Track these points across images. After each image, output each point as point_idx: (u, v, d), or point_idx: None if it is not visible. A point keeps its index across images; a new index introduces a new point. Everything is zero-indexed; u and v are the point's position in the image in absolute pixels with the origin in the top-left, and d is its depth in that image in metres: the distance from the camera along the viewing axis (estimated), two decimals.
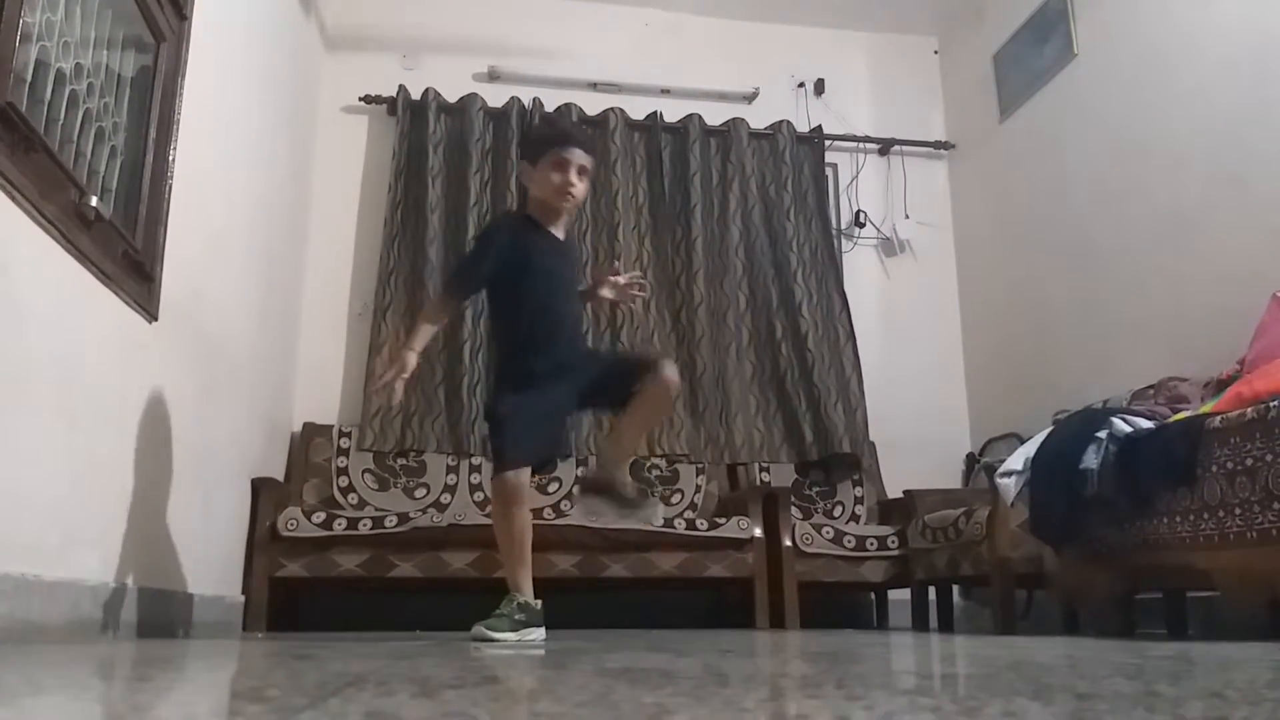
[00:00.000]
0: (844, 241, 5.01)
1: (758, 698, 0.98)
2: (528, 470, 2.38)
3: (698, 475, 4.28)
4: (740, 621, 3.70)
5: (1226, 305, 3.23)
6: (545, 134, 2.85)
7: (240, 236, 3.38)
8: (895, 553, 3.92)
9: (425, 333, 2.46)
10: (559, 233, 2.57)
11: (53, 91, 1.99)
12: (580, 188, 2.50)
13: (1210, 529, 2.39)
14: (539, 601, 2.36)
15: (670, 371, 2.46)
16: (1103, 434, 2.74)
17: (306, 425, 4.18)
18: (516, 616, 2.28)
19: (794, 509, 4.05)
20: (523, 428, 2.38)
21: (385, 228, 4.43)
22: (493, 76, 4.82)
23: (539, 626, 2.33)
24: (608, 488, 2.50)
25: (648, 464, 4.22)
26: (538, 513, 3.92)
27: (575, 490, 2.47)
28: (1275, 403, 2.25)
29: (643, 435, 2.64)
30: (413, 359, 2.39)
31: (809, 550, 3.85)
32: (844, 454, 4.41)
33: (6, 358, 1.85)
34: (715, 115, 4.86)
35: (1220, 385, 2.86)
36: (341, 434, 4.16)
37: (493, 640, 2.18)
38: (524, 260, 2.47)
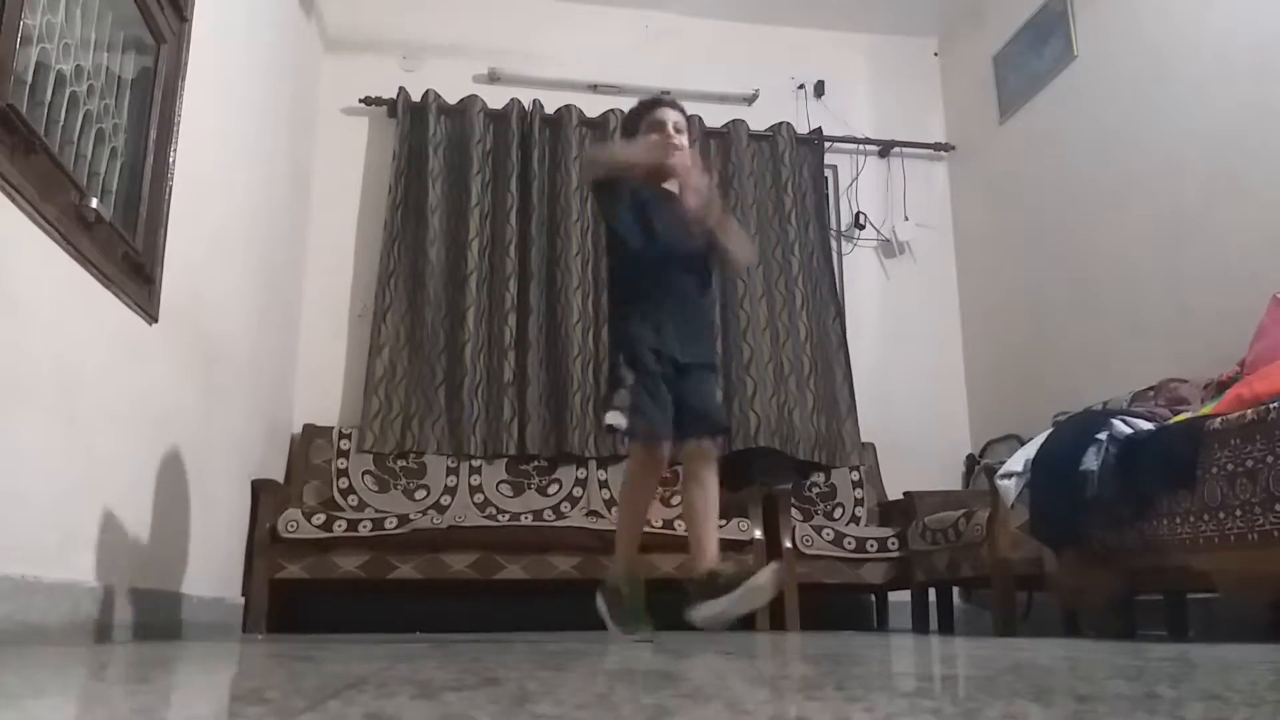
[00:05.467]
0: (844, 243, 5.01)
1: (758, 699, 0.98)
2: (661, 446, 2.38)
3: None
4: (740, 623, 3.69)
5: (1226, 306, 3.23)
6: (634, 109, 2.75)
7: (240, 238, 3.38)
8: (895, 554, 3.92)
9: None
10: (674, 188, 2.55)
11: (53, 93, 2.00)
12: (679, 139, 2.50)
13: (1210, 531, 2.39)
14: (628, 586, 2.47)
15: (707, 455, 2.42)
16: (1103, 436, 2.74)
17: (307, 427, 4.18)
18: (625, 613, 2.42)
19: (794, 511, 4.05)
20: (648, 399, 2.35)
21: (385, 229, 4.44)
22: (493, 78, 4.82)
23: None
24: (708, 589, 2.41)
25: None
26: (537, 514, 3.93)
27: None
28: (1275, 404, 2.25)
29: (709, 528, 2.46)
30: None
31: (809, 552, 3.85)
32: (821, 465, 4.42)
33: (6, 358, 1.85)
34: (715, 117, 4.86)
35: (1220, 387, 2.86)
36: (342, 435, 4.16)
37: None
38: (636, 205, 2.45)
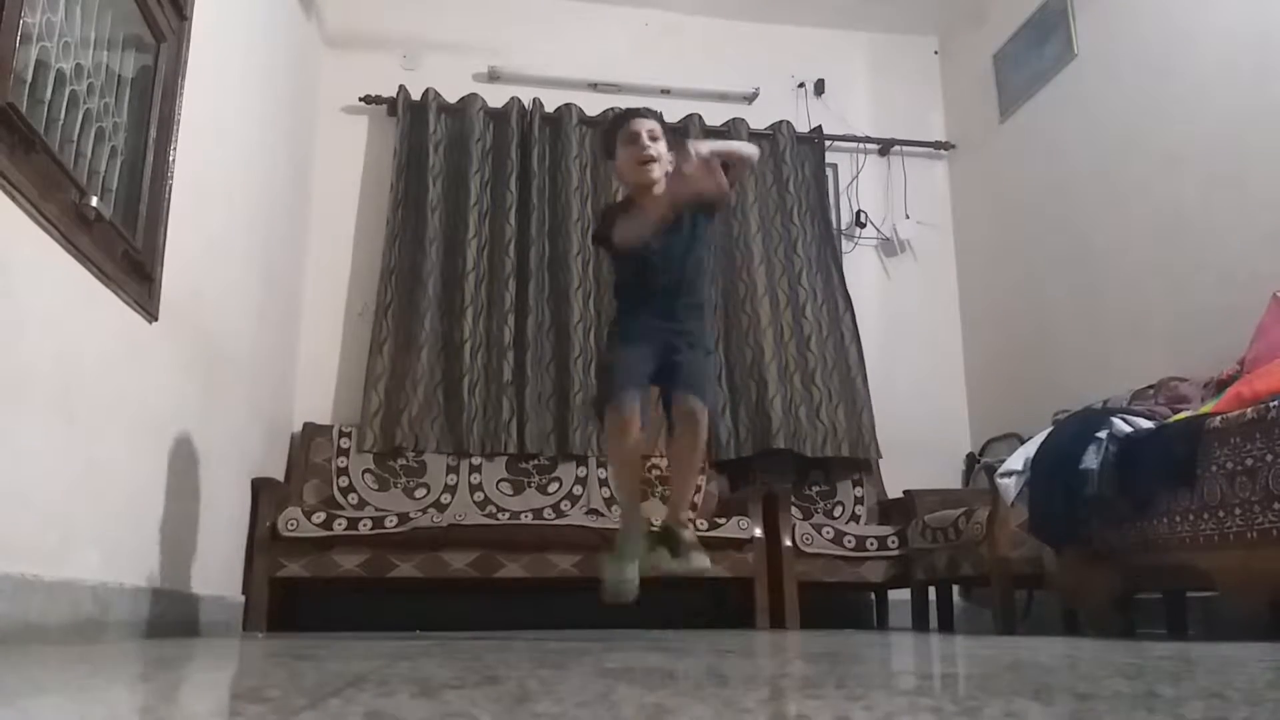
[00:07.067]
0: (844, 242, 5.01)
1: (758, 698, 0.98)
2: (626, 405, 2.41)
3: (699, 474, 4.28)
4: (740, 622, 3.70)
5: (1226, 305, 3.23)
6: (607, 125, 2.79)
7: (240, 236, 3.38)
8: (895, 553, 3.92)
9: None
10: (658, 210, 2.57)
11: (53, 92, 2.00)
12: (655, 148, 2.52)
13: (1210, 529, 2.39)
14: (643, 530, 2.46)
15: (695, 416, 2.42)
16: (1103, 434, 2.74)
17: (307, 425, 4.18)
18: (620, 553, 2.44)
19: (794, 509, 4.05)
20: (615, 369, 2.47)
21: (386, 227, 4.44)
22: (493, 77, 4.82)
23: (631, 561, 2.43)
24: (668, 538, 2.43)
25: (648, 464, 4.21)
26: (538, 513, 3.93)
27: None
28: (1275, 403, 2.25)
29: (684, 487, 2.53)
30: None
31: (809, 550, 3.85)
32: (841, 458, 4.42)
33: (6, 357, 1.85)
34: (715, 115, 4.86)
35: (1220, 385, 2.86)
36: (342, 434, 4.16)
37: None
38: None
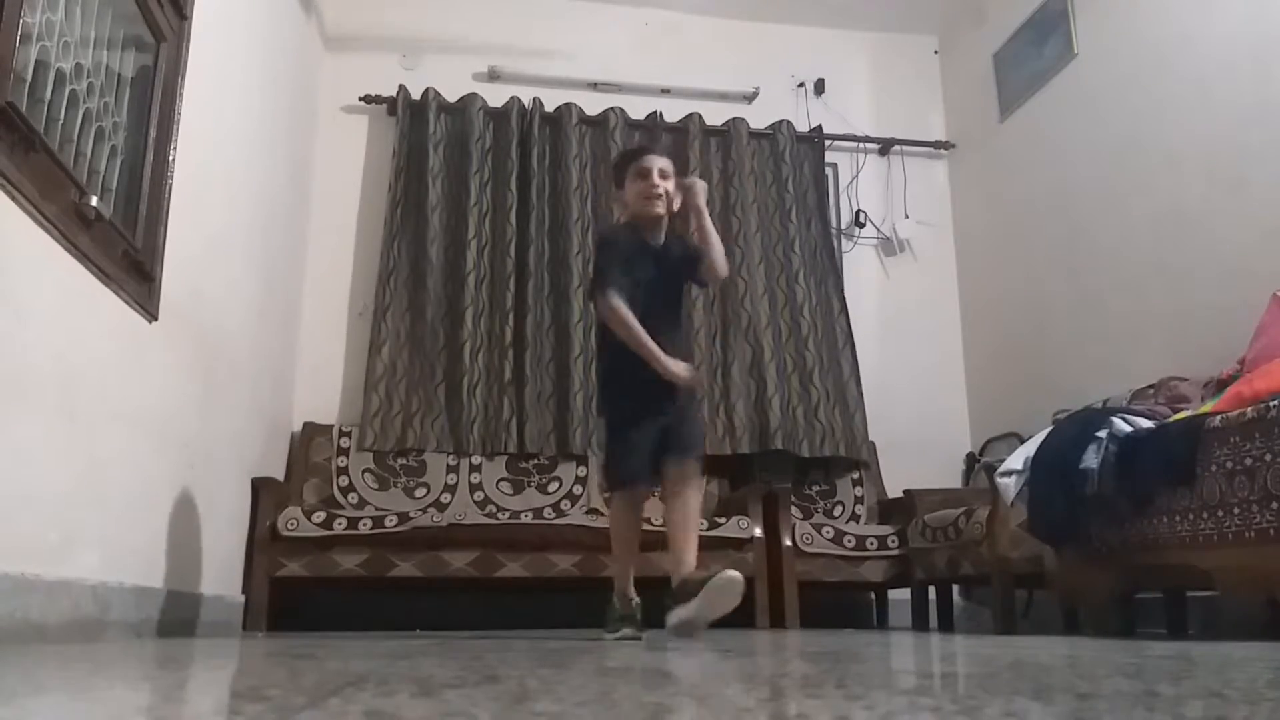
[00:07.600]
0: (844, 241, 5.01)
1: (758, 697, 0.98)
2: (636, 494, 2.61)
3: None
4: (740, 621, 3.70)
5: (1226, 304, 3.23)
6: (622, 154, 2.94)
7: (240, 236, 3.38)
8: (895, 552, 3.92)
9: (641, 334, 2.48)
10: (657, 240, 2.64)
11: (53, 91, 2.00)
12: (664, 186, 2.60)
13: (1209, 529, 2.39)
14: (636, 600, 2.61)
15: (688, 471, 2.49)
16: (1103, 433, 2.74)
17: (307, 425, 4.18)
18: (615, 617, 2.58)
19: (794, 509, 4.05)
20: (624, 453, 2.56)
21: (385, 227, 4.43)
22: (493, 76, 4.82)
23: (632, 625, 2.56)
24: (685, 599, 2.39)
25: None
26: (538, 512, 3.93)
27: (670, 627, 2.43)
28: (1275, 402, 2.25)
29: (684, 540, 2.49)
30: (673, 363, 2.50)
31: (809, 550, 3.85)
32: (840, 457, 4.42)
33: (6, 357, 1.85)
34: (715, 115, 4.86)
35: (1220, 385, 2.86)
36: (342, 433, 4.16)
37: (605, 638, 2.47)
38: (626, 265, 2.56)
